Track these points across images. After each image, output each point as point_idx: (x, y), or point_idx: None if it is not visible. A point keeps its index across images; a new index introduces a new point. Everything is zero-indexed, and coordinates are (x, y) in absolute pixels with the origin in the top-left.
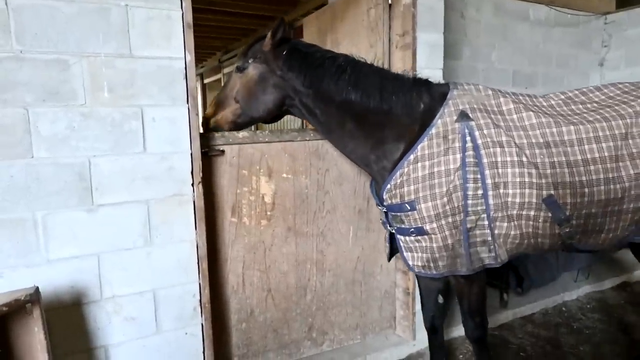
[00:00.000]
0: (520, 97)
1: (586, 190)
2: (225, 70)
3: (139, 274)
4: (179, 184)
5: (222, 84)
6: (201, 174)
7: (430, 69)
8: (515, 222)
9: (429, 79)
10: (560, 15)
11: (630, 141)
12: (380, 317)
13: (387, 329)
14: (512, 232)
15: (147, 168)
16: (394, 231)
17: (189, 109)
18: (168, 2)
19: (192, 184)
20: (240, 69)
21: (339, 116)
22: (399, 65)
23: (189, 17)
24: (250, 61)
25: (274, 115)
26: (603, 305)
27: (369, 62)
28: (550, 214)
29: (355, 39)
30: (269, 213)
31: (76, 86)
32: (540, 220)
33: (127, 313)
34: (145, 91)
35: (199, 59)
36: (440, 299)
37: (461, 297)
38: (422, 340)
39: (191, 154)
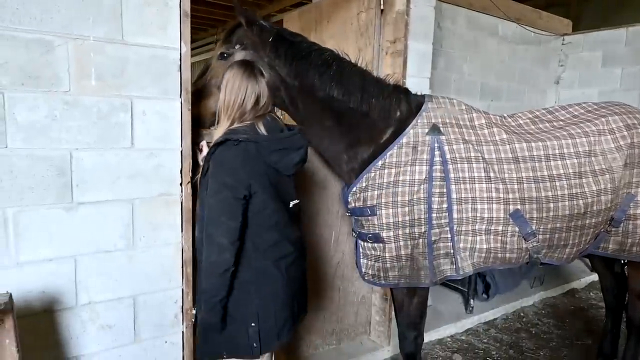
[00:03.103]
0: (491, 115)
1: (551, 205)
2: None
3: (119, 279)
4: (167, 183)
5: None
6: (190, 173)
7: (418, 77)
8: (484, 236)
9: (408, 89)
10: (525, 33)
11: (593, 158)
12: (355, 322)
13: (362, 334)
14: (479, 246)
15: (134, 165)
16: (354, 236)
17: (181, 103)
18: None
19: (181, 184)
20: (224, 56)
21: (319, 111)
22: (388, 71)
23: (187, 5)
24: (236, 47)
25: None
26: (556, 310)
27: (353, 61)
28: (517, 229)
29: (342, 42)
30: None
31: (60, 71)
32: (507, 235)
33: (103, 321)
34: (136, 81)
35: None
36: None
37: (400, 309)
38: (396, 346)
39: (181, 152)
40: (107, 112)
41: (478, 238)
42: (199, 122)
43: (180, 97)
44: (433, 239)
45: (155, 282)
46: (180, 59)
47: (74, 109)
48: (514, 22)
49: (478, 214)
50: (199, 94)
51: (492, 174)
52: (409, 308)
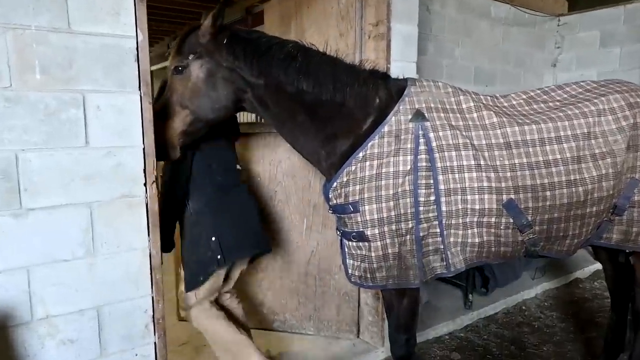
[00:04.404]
0: (481, 97)
1: (548, 193)
2: None
3: (79, 289)
4: (128, 183)
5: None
6: (155, 172)
7: (404, 61)
8: (476, 229)
9: (387, 73)
10: (519, 14)
11: (593, 141)
12: (338, 318)
13: (346, 332)
14: (471, 240)
15: (90, 165)
16: (339, 234)
17: (141, 96)
18: None
19: (145, 184)
20: (179, 70)
21: (290, 108)
22: (371, 56)
23: None
24: (190, 58)
25: (229, 114)
26: (559, 302)
27: (320, 50)
28: (511, 220)
29: (324, 28)
30: None
31: None
32: (501, 227)
33: (64, 335)
34: (87, 74)
35: None
36: None
37: (390, 310)
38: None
39: (144, 149)
40: (56, 108)
41: (469, 231)
42: (165, 148)
43: (140, 89)
44: (421, 234)
45: (121, 291)
46: (137, 48)
47: (16, 106)
48: (506, 3)
49: (469, 206)
50: (162, 115)
51: (482, 162)
52: (398, 309)
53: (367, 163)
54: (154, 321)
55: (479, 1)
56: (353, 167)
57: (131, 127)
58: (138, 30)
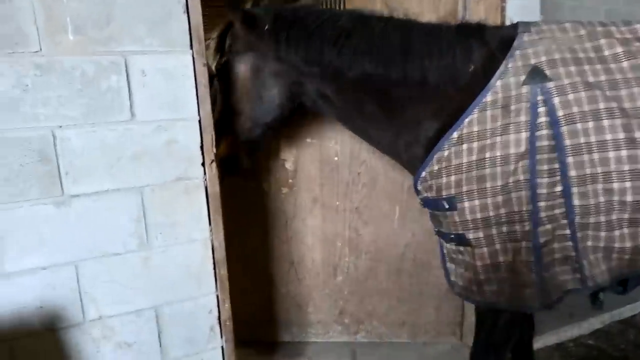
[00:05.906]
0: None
1: None
2: None
3: (134, 287)
4: (183, 163)
5: None
6: (214, 149)
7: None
8: (627, 229)
9: (481, 24)
10: None
11: None
12: (436, 319)
13: (447, 335)
14: (619, 245)
15: (138, 142)
16: (435, 232)
17: (193, 56)
18: None
19: (203, 164)
20: (224, 74)
21: (355, 97)
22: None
23: None
24: (231, 57)
25: (289, 112)
26: None
27: (387, 15)
28: None
29: None
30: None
31: (25, 25)
32: None
33: (120, 338)
34: (128, 31)
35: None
36: None
37: (480, 326)
38: None
39: (199, 121)
40: (94, 76)
41: (617, 233)
42: (233, 162)
43: (191, 48)
44: (542, 240)
45: (181, 288)
46: None
47: (49, 74)
48: None
49: (616, 198)
50: (220, 127)
51: (638, 134)
52: (491, 325)
53: (465, 146)
54: (220, 323)
55: None
56: (446, 152)
57: (184, 95)
58: None
